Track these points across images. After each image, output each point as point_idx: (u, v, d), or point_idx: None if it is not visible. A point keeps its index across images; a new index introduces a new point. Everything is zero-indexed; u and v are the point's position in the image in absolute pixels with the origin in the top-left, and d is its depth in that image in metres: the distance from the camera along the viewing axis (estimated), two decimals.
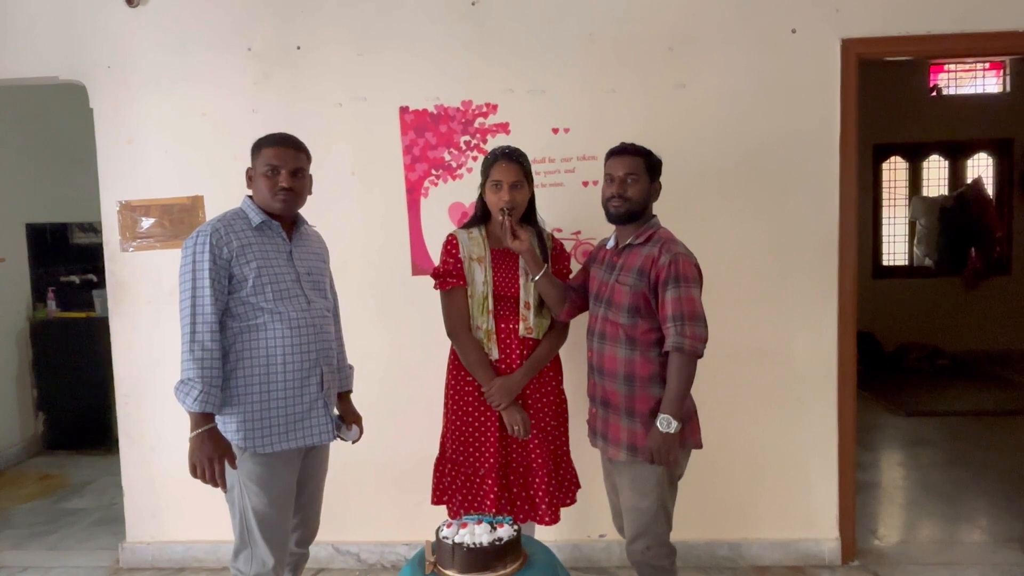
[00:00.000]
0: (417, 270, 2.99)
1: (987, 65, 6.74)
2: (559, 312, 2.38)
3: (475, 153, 2.93)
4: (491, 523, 1.83)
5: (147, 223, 3.07)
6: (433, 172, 2.97)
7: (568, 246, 2.93)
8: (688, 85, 2.87)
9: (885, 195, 7.04)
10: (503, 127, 2.93)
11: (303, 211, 2.22)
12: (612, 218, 2.20)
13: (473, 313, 2.35)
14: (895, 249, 7.11)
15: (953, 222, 6.68)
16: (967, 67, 6.75)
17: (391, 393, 2.98)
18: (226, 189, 2.77)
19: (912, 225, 7.01)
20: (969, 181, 6.79)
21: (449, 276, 2.37)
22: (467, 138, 2.94)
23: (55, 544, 3.46)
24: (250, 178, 2.14)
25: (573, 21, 2.88)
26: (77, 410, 4.78)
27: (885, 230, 7.08)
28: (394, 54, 2.95)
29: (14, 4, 3.07)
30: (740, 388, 2.94)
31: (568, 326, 2.49)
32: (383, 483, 3.06)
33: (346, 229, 3.00)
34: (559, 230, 2.91)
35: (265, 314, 2.02)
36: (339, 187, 2.99)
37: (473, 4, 2.91)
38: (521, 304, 2.37)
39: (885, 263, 7.08)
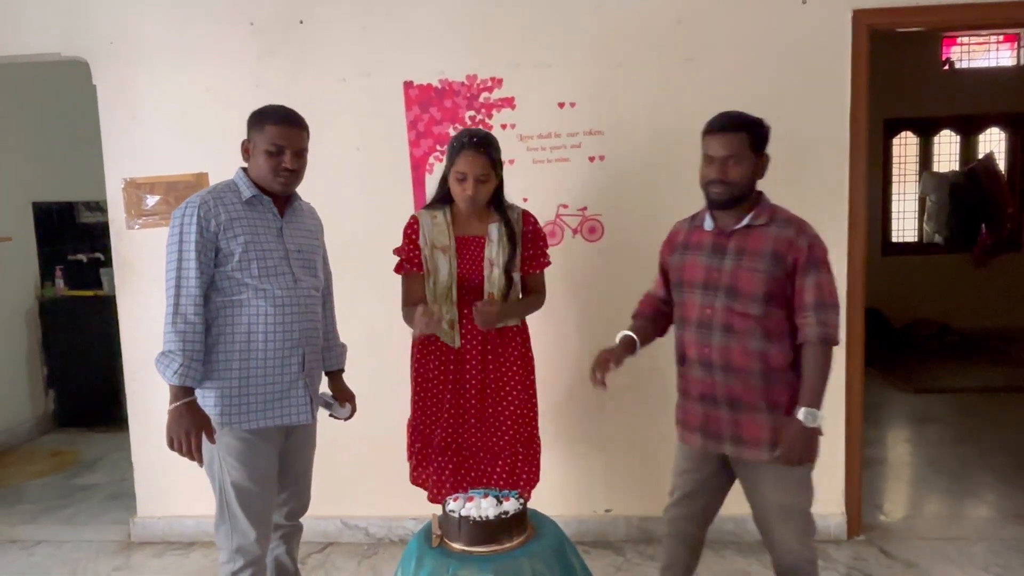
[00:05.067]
0: None
1: (1001, 38, 6.62)
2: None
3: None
4: (497, 497, 1.84)
5: (152, 200, 3.07)
6: (438, 148, 2.95)
7: (574, 222, 2.92)
8: (697, 58, 2.83)
9: (895, 171, 6.97)
10: (508, 102, 2.90)
11: (304, 187, 2.19)
12: (714, 204, 1.98)
13: (438, 302, 2.30)
14: (905, 225, 7.05)
15: (964, 198, 6.60)
16: (980, 40, 6.63)
17: (395, 368, 2.97)
18: (231, 166, 2.72)
19: (922, 201, 6.94)
20: (981, 156, 6.71)
21: (406, 262, 2.36)
22: (472, 113, 2.91)
23: (68, 519, 3.51)
24: (247, 150, 2.08)
25: None
26: (87, 387, 4.82)
27: (895, 206, 7.01)
28: (398, 28, 2.91)
29: None
30: None
31: (544, 296, 2.43)
32: (390, 458, 3.05)
33: (351, 205, 2.99)
34: (565, 206, 2.89)
35: (249, 290, 1.99)
36: (343, 163, 2.98)
37: None
38: (486, 295, 2.29)
39: (894, 239, 7.03)
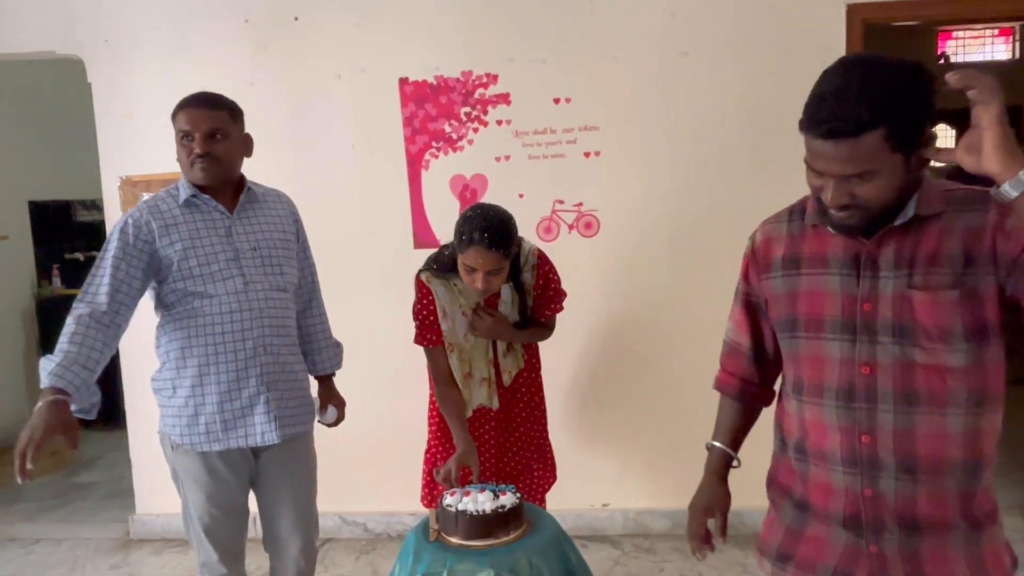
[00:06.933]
0: (419, 243, 2.98)
1: (996, 31, 6.63)
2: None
3: (475, 124, 2.91)
4: (494, 491, 1.84)
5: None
6: (434, 144, 2.95)
7: (570, 218, 2.93)
8: (691, 53, 2.83)
9: None
10: (503, 98, 2.90)
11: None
12: (844, 231, 1.20)
13: (474, 363, 2.19)
14: None
15: None
16: (976, 34, 6.65)
17: (393, 365, 2.98)
18: None
19: None
20: None
21: (427, 332, 2.14)
22: (467, 109, 2.92)
23: (66, 517, 3.52)
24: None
25: None
26: None
27: None
28: (392, 24, 2.91)
29: None
30: None
31: (551, 331, 2.28)
32: (388, 455, 3.08)
33: (347, 202, 2.99)
34: (560, 201, 2.89)
35: (196, 299, 1.84)
36: (339, 160, 2.98)
37: None
38: (499, 352, 2.21)
39: None
